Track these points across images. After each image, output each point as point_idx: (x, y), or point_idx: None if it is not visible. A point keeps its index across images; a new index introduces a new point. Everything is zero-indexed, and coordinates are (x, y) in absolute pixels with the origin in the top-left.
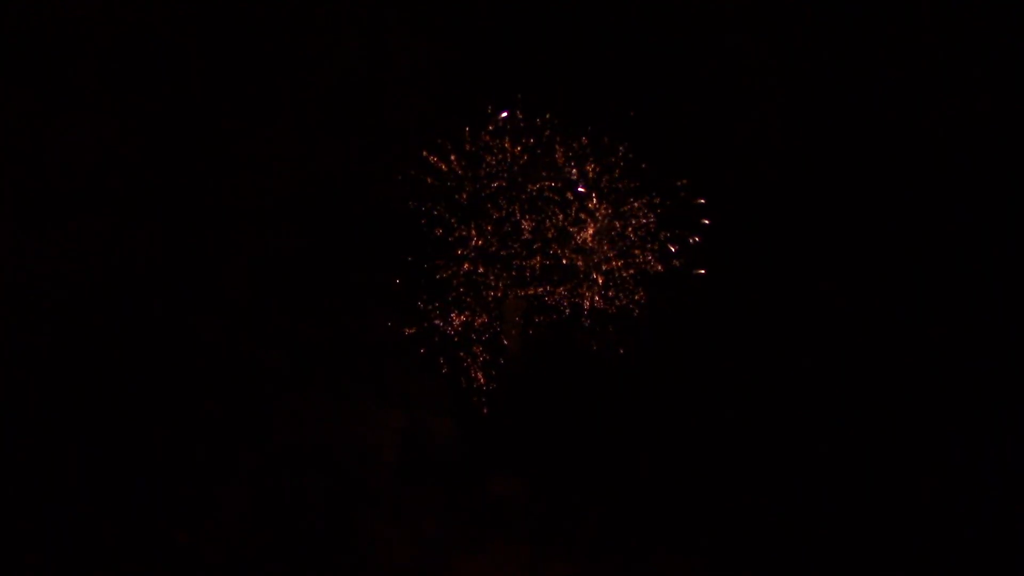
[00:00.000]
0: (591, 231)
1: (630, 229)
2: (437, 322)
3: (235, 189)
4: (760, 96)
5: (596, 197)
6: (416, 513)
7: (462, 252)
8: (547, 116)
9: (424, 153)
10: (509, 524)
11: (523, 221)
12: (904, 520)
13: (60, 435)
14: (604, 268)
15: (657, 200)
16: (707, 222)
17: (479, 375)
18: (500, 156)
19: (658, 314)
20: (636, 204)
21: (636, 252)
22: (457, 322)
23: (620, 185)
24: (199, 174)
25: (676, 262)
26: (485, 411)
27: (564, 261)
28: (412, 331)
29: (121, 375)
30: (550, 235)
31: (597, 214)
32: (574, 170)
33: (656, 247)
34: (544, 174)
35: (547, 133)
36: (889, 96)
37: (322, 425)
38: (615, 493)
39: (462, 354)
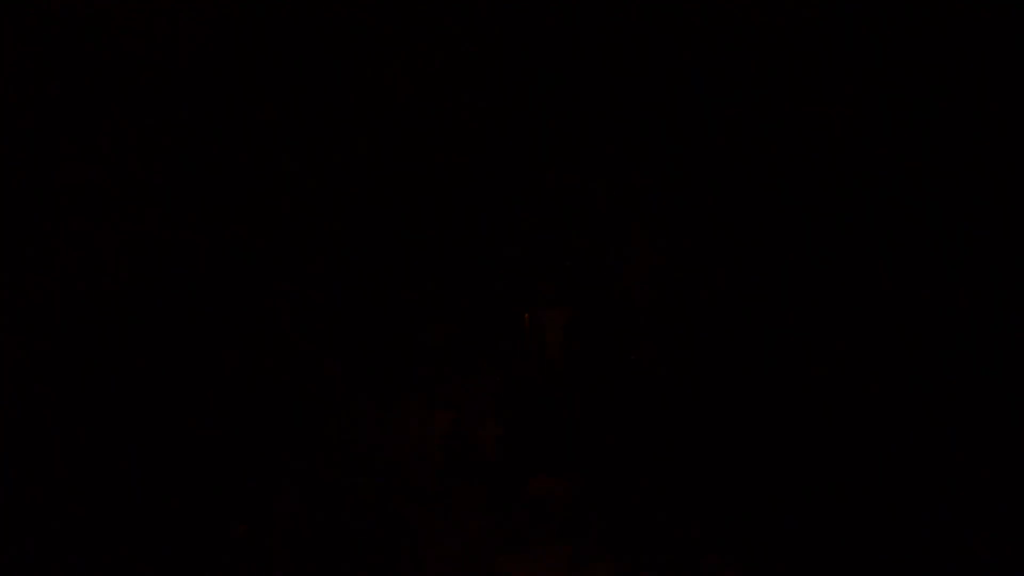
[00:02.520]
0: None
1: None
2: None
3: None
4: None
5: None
6: (462, 512)
7: None
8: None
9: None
10: (551, 524)
11: None
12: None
13: (110, 440)
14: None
15: None
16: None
17: (523, 378)
18: None
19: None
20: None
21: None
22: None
23: None
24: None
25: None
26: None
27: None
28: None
29: (169, 378)
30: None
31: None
32: None
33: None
34: None
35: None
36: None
37: (372, 427)
38: (660, 495)
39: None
